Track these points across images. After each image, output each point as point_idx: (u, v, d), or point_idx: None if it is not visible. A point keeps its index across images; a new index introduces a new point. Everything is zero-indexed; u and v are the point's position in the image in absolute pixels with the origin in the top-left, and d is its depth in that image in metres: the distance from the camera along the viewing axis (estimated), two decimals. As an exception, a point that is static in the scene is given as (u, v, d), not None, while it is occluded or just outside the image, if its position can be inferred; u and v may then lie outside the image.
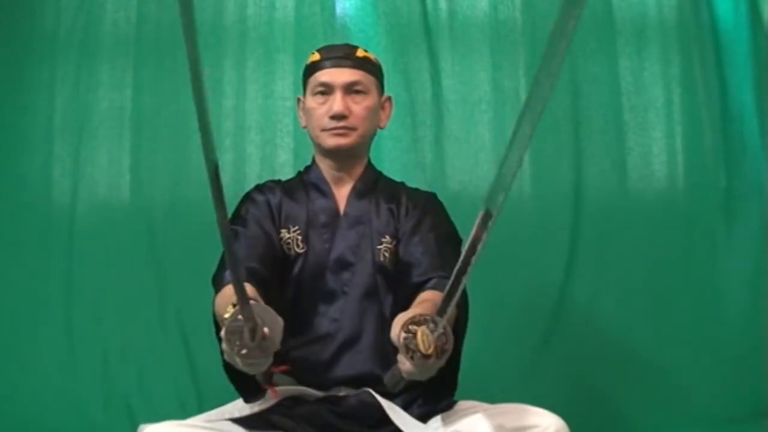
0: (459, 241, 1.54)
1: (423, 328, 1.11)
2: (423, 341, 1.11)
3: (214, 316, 1.38)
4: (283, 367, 1.39)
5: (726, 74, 2.36)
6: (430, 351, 1.11)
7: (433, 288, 1.38)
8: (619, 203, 2.32)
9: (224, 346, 1.09)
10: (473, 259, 1.02)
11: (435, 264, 1.43)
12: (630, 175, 2.33)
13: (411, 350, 1.12)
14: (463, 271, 1.05)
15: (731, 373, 2.21)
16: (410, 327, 1.12)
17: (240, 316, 1.06)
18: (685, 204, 2.34)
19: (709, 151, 2.34)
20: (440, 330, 1.11)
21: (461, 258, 1.04)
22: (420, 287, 1.40)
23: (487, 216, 0.99)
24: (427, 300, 1.33)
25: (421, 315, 1.13)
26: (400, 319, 1.18)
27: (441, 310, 1.12)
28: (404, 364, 1.15)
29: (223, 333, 1.08)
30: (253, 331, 1.06)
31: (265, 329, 1.08)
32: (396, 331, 1.16)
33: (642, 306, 2.27)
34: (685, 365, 2.24)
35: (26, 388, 2.19)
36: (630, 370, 2.24)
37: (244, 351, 1.07)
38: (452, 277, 1.07)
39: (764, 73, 2.33)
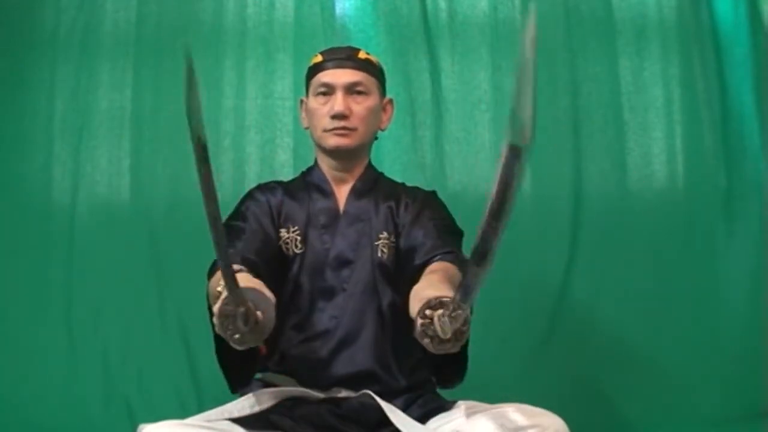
0: (460, 234, 1.55)
1: (440, 312, 1.08)
2: (441, 327, 1.07)
3: (208, 300, 1.39)
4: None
5: (726, 74, 2.36)
6: (448, 336, 1.08)
7: (441, 260, 1.40)
8: (619, 203, 2.33)
9: (217, 329, 1.09)
10: (507, 209, 0.89)
11: (437, 244, 1.45)
12: (630, 175, 2.34)
13: (429, 336, 1.10)
14: (494, 228, 0.91)
15: (731, 373, 2.21)
16: (427, 312, 1.10)
17: (229, 301, 1.06)
18: (685, 204, 2.34)
19: (709, 151, 2.34)
20: (459, 313, 1.06)
21: (489, 211, 0.91)
22: (424, 266, 1.41)
23: (515, 153, 0.85)
24: (436, 270, 1.35)
25: (437, 298, 1.10)
26: (418, 297, 1.17)
27: (465, 291, 1.05)
28: (422, 343, 1.12)
29: (215, 318, 1.08)
30: (246, 315, 1.06)
31: (258, 313, 1.08)
32: (414, 313, 1.14)
33: (642, 306, 2.28)
34: (685, 365, 2.24)
35: (26, 388, 2.19)
36: (630, 369, 2.24)
37: (237, 336, 1.07)
38: (477, 242, 0.95)
39: (764, 73, 2.33)
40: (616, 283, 2.28)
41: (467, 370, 1.45)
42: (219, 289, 1.16)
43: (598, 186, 2.32)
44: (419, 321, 1.10)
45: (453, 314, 1.07)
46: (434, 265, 1.39)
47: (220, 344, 1.39)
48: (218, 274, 1.32)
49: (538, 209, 2.30)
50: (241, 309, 1.06)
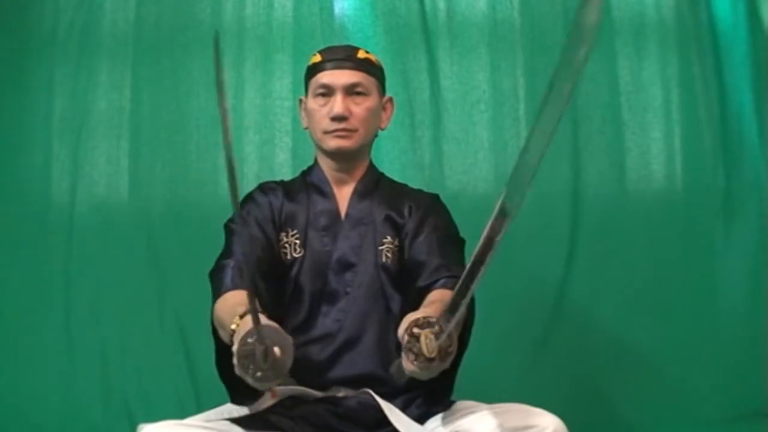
0: (462, 243, 1.55)
1: (427, 331, 1.11)
2: (426, 345, 1.10)
3: (212, 317, 1.38)
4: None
5: (724, 74, 2.36)
6: (433, 355, 1.10)
7: (442, 287, 1.39)
8: (617, 203, 2.32)
9: (237, 370, 1.09)
10: (488, 258, 0.98)
11: (441, 265, 1.44)
12: (629, 175, 2.33)
13: (414, 354, 1.11)
14: (476, 270, 1.01)
15: (731, 373, 2.21)
16: (414, 330, 1.12)
17: (250, 339, 1.07)
18: (683, 204, 2.34)
19: (707, 151, 2.34)
20: (445, 333, 1.10)
21: (474, 255, 1.01)
22: (427, 289, 1.40)
23: (504, 214, 0.96)
24: (436, 300, 1.32)
25: (425, 317, 1.12)
26: (407, 319, 1.18)
27: (452, 309, 1.09)
28: (407, 365, 1.14)
29: (235, 359, 1.09)
30: (265, 353, 1.06)
31: (276, 350, 1.08)
32: (401, 331, 1.16)
33: (641, 306, 2.27)
34: (684, 365, 2.24)
35: (25, 388, 2.19)
36: (629, 369, 2.24)
37: (259, 374, 1.07)
38: (464, 276, 1.05)
39: (763, 73, 2.33)
40: (615, 283, 2.28)
41: (452, 391, 1.44)
42: (233, 327, 1.19)
43: (597, 186, 2.32)
44: (405, 338, 1.12)
45: (438, 334, 1.10)
46: (435, 294, 1.37)
47: (223, 362, 1.37)
48: (228, 299, 1.33)
49: (537, 209, 2.29)
50: (261, 347, 1.06)
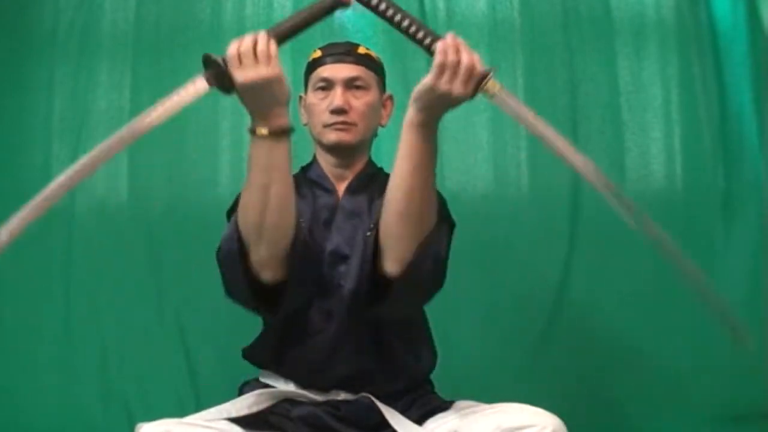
0: (450, 222, 1.54)
1: None
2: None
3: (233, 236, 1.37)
4: None
5: (724, 74, 2.36)
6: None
7: None
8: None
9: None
10: None
11: None
12: (628, 175, 2.33)
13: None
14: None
15: (731, 373, 2.21)
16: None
17: None
18: (683, 204, 2.34)
19: (707, 151, 2.34)
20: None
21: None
22: None
23: None
24: None
25: None
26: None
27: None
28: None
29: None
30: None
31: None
32: None
33: (641, 306, 2.27)
34: (685, 365, 2.24)
35: (25, 389, 2.19)
36: (629, 370, 2.24)
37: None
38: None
39: (763, 73, 2.33)
40: (615, 283, 2.27)
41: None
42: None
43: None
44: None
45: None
46: None
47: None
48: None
49: (536, 209, 2.29)
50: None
